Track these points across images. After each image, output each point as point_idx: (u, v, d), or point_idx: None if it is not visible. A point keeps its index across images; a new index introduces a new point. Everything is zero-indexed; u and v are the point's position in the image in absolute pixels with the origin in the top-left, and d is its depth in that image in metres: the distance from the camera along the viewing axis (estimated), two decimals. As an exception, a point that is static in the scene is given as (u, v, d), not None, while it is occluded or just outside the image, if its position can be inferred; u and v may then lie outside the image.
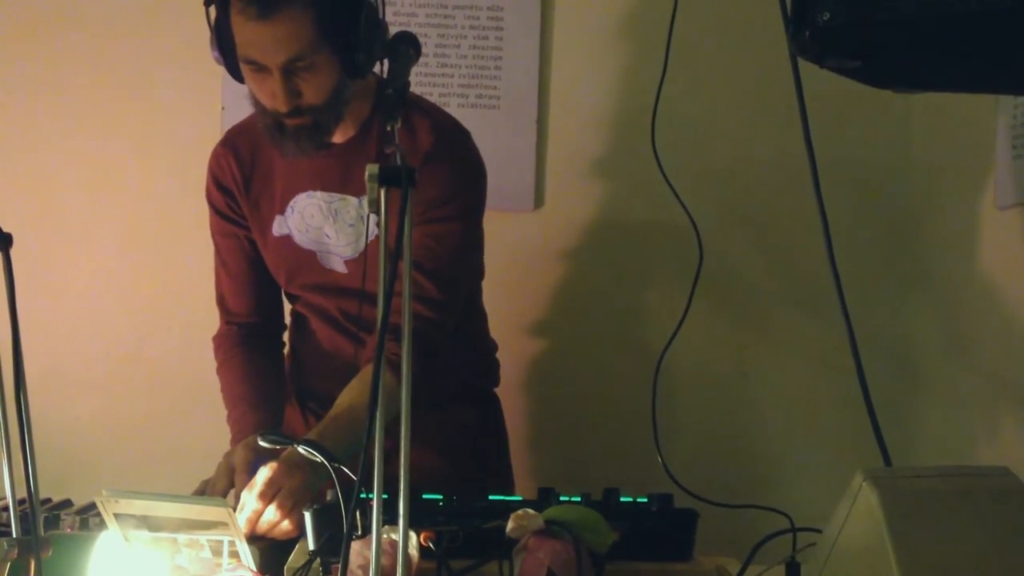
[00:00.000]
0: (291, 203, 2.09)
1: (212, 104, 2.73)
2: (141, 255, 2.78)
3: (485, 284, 2.27)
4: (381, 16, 1.93)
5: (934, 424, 2.64)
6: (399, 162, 1.49)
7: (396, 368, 1.19)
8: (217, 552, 1.47)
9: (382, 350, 1.15)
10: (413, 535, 1.41)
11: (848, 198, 2.70)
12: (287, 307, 2.27)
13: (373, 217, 2.01)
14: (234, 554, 1.47)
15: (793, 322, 2.81)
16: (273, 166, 2.10)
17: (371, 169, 1.19)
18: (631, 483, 1.73)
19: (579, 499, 1.62)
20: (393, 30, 1.90)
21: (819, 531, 1.43)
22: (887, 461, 1.52)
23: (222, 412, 2.16)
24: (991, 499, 1.29)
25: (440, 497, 1.62)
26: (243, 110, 2.07)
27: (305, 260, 2.11)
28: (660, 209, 2.44)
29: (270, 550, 1.67)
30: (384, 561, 1.28)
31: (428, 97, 2.56)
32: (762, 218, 2.82)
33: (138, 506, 1.44)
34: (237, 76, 1.94)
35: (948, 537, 1.24)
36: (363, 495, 1.33)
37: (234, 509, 1.61)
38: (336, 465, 1.60)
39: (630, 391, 2.42)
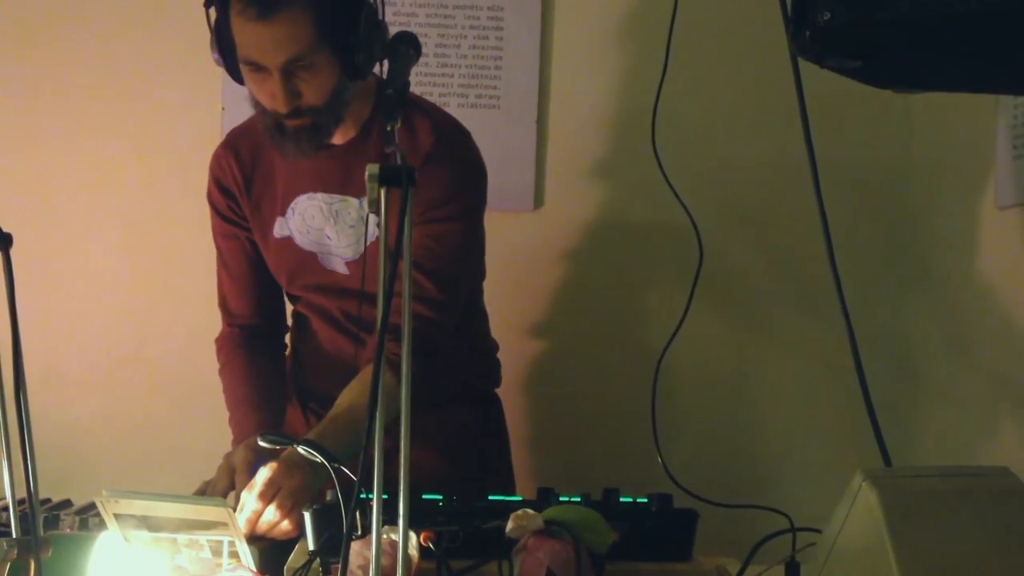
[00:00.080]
0: (292, 205, 2.09)
1: (212, 104, 2.73)
2: (141, 255, 2.78)
3: (485, 284, 2.27)
4: (381, 17, 1.93)
5: (934, 424, 2.64)
6: (399, 162, 1.49)
7: (396, 368, 1.19)
8: (217, 552, 1.48)
9: (382, 350, 1.15)
10: (413, 535, 1.41)
11: (848, 198, 2.70)
12: (289, 308, 2.27)
13: (374, 219, 2.01)
14: (234, 554, 1.47)
15: (793, 322, 2.81)
16: (274, 167, 2.10)
17: (371, 169, 1.19)
18: (631, 483, 1.73)
19: (579, 499, 1.62)
20: (393, 30, 1.90)
21: (819, 531, 1.43)
22: (887, 461, 1.53)
23: (222, 412, 2.16)
24: (991, 499, 1.29)
25: (440, 497, 1.62)
26: (243, 111, 2.07)
27: (306, 261, 2.11)
28: (660, 209, 2.44)
29: (270, 550, 1.67)
30: (384, 561, 1.28)
31: (428, 97, 2.56)
32: (762, 218, 2.82)
33: (138, 506, 1.44)
34: (237, 77, 1.94)
35: (948, 537, 1.24)
36: (363, 495, 1.33)
37: (234, 509, 1.61)
38: (336, 465, 1.60)
39: (630, 391, 2.42)
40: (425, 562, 1.44)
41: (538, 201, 2.79)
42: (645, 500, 1.64)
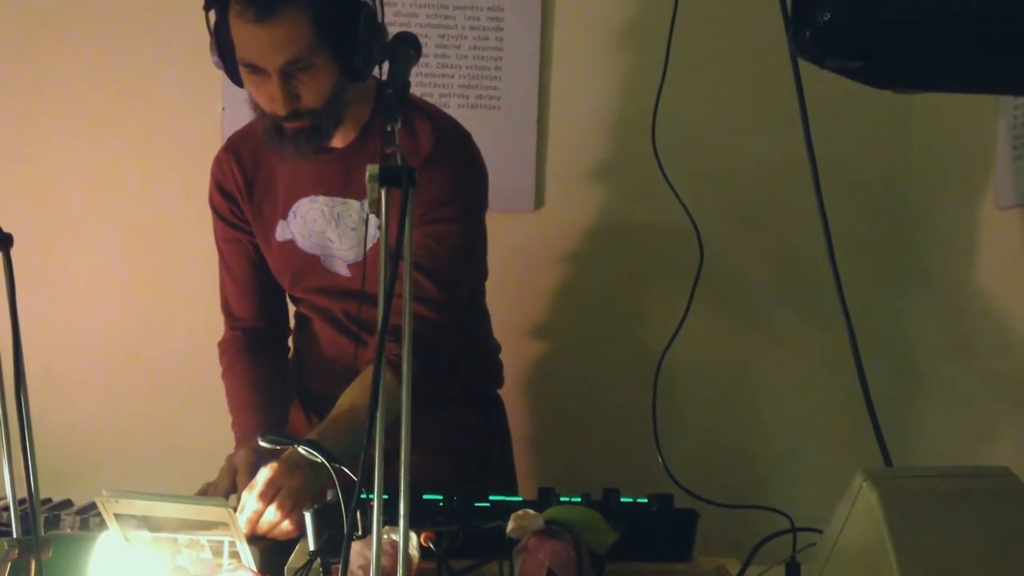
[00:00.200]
0: (293, 208, 2.09)
1: (213, 105, 2.73)
2: (141, 255, 2.78)
3: (485, 284, 2.27)
4: (380, 19, 1.93)
5: (934, 424, 2.64)
6: (399, 162, 1.49)
7: (397, 368, 1.19)
8: (217, 552, 1.48)
9: (382, 351, 1.16)
10: (413, 535, 1.41)
11: (848, 199, 2.70)
12: (291, 309, 2.27)
13: (374, 221, 2.02)
14: (234, 554, 1.47)
15: (793, 322, 2.81)
16: (275, 171, 2.10)
17: (371, 169, 1.19)
18: (631, 483, 1.73)
19: (579, 499, 1.62)
20: (393, 30, 1.90)
21: (819, 531, 1.43)
22: (887, 461, 1.53)
23: (222, 412, 2.16)
24: (991, 499, 1.29)
25: (440, 497, 1.62)
26: (244, 111, 2.07)
27: (309, 264, 2.11)
28: (660, 210, 2.44)
29: (270, 550, 1.67)
30: (384, 561, 1.28)
31: (428, 98, 2.56)
32: (762, 218, 2.82)
33: (139, 506, 1.44)
34: (236, 80, 1.94)
35: (948, 537, 1.24)
36: (363, 495, 1.33)
37: (235, 510, 1.61)
38: (336, 465, 1.60)
39: (630, 391, 2.42)
40: (425, 562, 1.44)
41: (538, 202, 2.79)
42: (645, 500, 1.64)
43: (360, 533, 1.40)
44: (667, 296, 2.66)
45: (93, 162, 2.77)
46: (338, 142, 2.03)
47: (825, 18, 1.34)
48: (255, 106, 1.96)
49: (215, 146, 2.22)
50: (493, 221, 2.18)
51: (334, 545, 1.46)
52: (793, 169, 2.09)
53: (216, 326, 2.23)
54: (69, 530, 1.64)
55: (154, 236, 2.77)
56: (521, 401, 2.69)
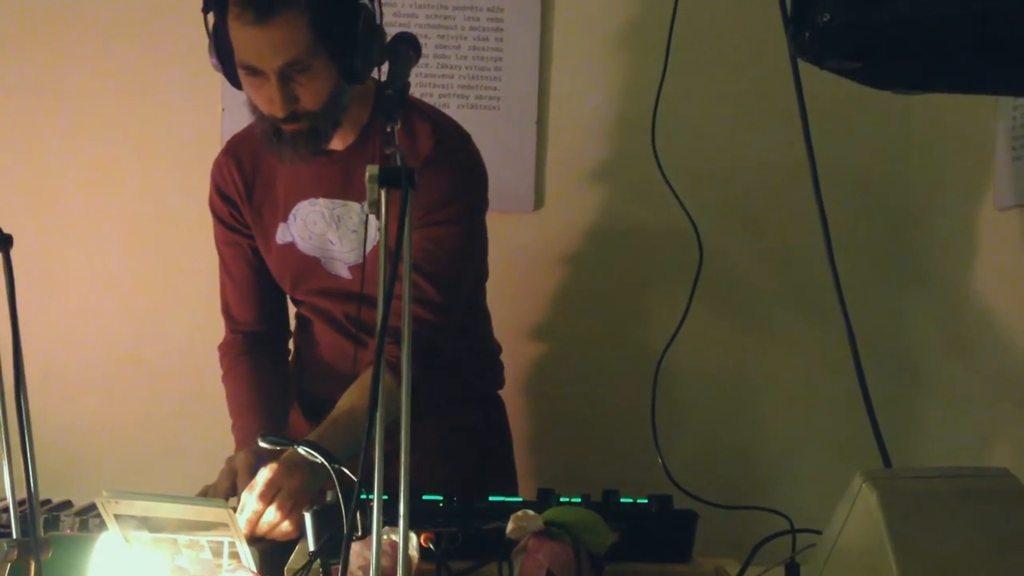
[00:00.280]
0: (293, 211, 2.09)
1: (213, 105, 2.73)
2: (141, 256, 2.78)
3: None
4: (379, 21, 1.93)
5: (934, 425, 2.64)
6: (399, 163, 1.49)
7: (396, 370, 1.19)
8: (217, 553, 1.48)
9: (381, 352, 1.16)
10: (413, 536, 1.41)
11: (848, 199, 2.70)
12: (292, 310, 2.27)
13: (375, 223, 2.02)
14: (234, 555, 1.47)
15: (793, 323, 2.81)
16: (275, 174, 2.10)
17: (371, 170, 1.19)
18: (631, 484, 1.73)
19: (579, 500, 1.62)
20: (393, 31, 1.90)
21: (819, 532, 1.43)
22: (886, 462, 1.53)
23: (222, 413, 2.16)
24: (991, 500, 1.29)
25: (440, 498, 1.62)
26: (244, 112, 2.07)
27: (309, 266, 2.11)
28: (660, 210, 2.44)
29: (270, 551, 1.67)
30: (384, 562, 1.28)
31: (428, 98, 2.56)
32: (762, 219, 2.82)
33: (138, 507, 1.44)
34: (235, 82, 1.94)
35: (948, 538, 1.24)
36: (363, 496, 1.33)
37: (235, 510, 1.61)
38: (336, 466, 1.60)
39: (630, 392, 2.42)
40: (425, 563, 1.44)
41: (538, 202, 2.79)
42: (645, 501, 1.64)
43: (360, 534, 1.40)
44: (667, 296, 2.66)
45: (93, 162, 2.77)
46: (337, 144, 2.03)
47: (825, 19, 1.34)
48: (253, 108, 1.96)
49: (215, 147, 2.22)
50: (492, 221, 2.18)
51: (334, 546, 1.46)
52: (793, 170, 2.09)
53: (216, 327, 2.23)
54: (69, 531, 1.64)
55: (154, 236, 2.77)
56: (521, 402, 2.69)
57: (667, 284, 2.70)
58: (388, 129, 1.48)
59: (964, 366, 2.52)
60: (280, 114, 1.90)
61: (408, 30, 1.93)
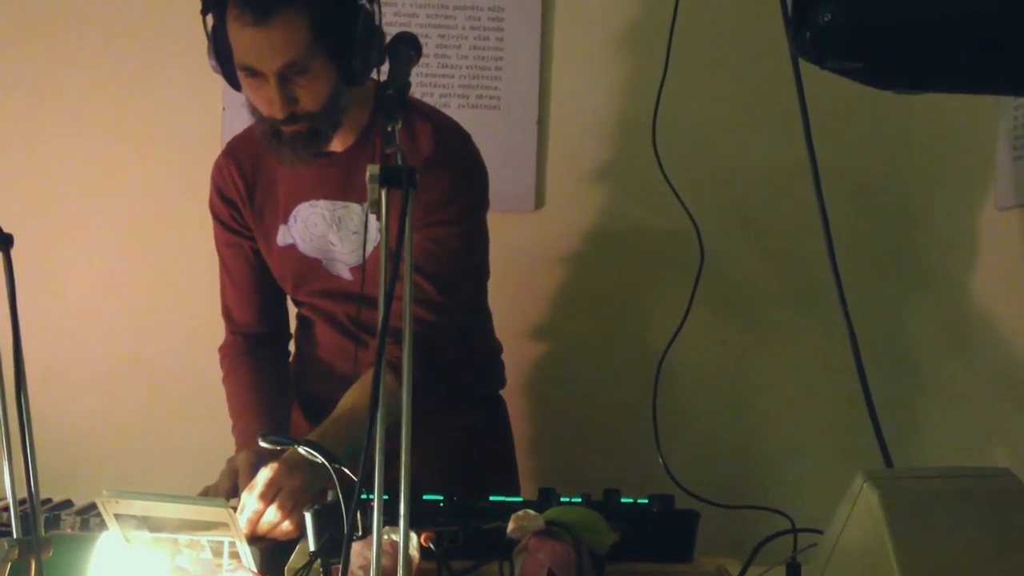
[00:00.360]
0: (294, 212, 2.09)
1: (213, 104, 2.73)
2: (142, 256, 2.78)
3: (486, 285, 2.28)
4: (378, 22, 1.93)
5: (935, 425, 2.64)
6: (400, 163, 1.49)
7: (397, 370, 1.19)
8: (218, 553, 1.48)
9: (382, 352, 1.15)
10: (413, 536, 1.41)
11: (849, 199, 2.71)
12: (293, 310, 2.27)
13: (376, 225, 2.02)
14: (235, 555, 1.47)
15: (794, 323, 2.81)
16: (275, 175, 2.10)
17: (371, 170, 1.19)
18: (632, 484, 1.73)
19: (580, 500, 1.62)
20: (394, 31, 1.90)
21: (820, 532, 1.43)
22: (888, 462, 1.52)
23: (222, 413, 2.16)
24: (992, 500, 1.29)
25: (440, 498, 1.62)
26: (245, 112, 2.06)
27: (311, 268, 2.11)
28: (661, 210, 2.44)
29: (271, 551, 1.67)
30: (385, 562, 1.28)
31: (429, 98, 2.56)
32: (763, 219, 2.82)
33: (139, 507, 1.44)
34: (234, 84, 1.94)
35: (949, 538, 1.24)
36: (364, 496, 1.33)
37: (235, 510, 1.61)
38: (336, 466, 1.60)
39: (631, 392, 2.42)
40: (426, 562, 1.44)
41: (539, 202, 2.79)
42: (646, 501, 1.64)
43: (360, 533, 1.40)
44: (667, 296, 2.66)
45: (93, 162, 2.77)
46: (337, 146, 2.03)
47: (825, 19, 1.34)
48: (253, 110, 1.96)
49: (216, 146, 2.22)
50: (493, 221, 2.18)
51: (334, 545, 1.46)
52: (793, 169, 2.09)
53: (216, 326, 2.23)
54: (69, 530, 1.64)
55: (154, 236, 2.77)
56: (521, 401, 2.69)
57: (668, 284, 2.70)
58: (389, 129, 1.48)
59: (965, 366, 2.52)
60: (279, 115, 1.90)
61: (408, 30, 1.93)
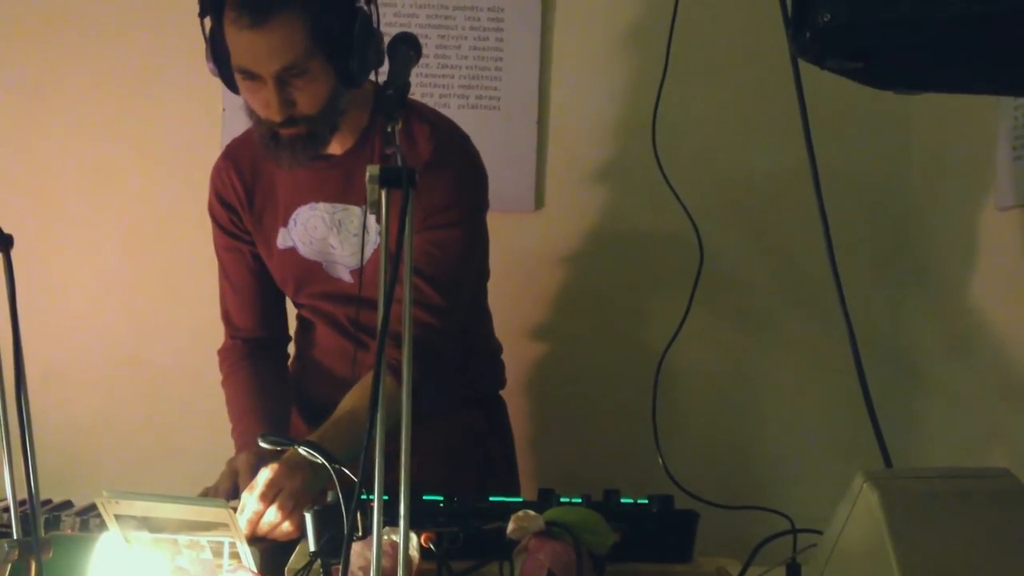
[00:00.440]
0: (293, 215, 2.08)
1: (213, 105, 2.73)
2: (142, 257, 2.78)
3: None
4: (376, 24, 1.92)
5: (935, 425, 2.64)
6: (400, 163, 1.49)
7: (398, 373, 1.19)
8: (218, 553, 1.48)
9: (382, 354, 1.15)
10: (414, 536, 1.41)
11: (848, 199, 2.71)
12: (291, 314, 2.27)
13: (376, 228, 2.01)
14: (235, 555, 1.47)
15: (793, 323, 2.81)
16: (275, 179, 2.09)
17: (371, 170, 1.19)
18: (631, 484, 1.73)
19: (579, 500, 1.62)
20: (394, 31, 1.89)
21: (820, 532, 1.43)
22: (887, 462, 1.52)
23: (222, 413, 2.16)
24: (991, 501, 1.29)
25: (441, 498, 1.62)
26: (244, 113, 2.07)
27: (311, 271, 2.11)
28: (660, 210, 2.44)
29: (271, 551, 1.67)
30: (385, 562, 1.28)
31: (429, 98, 2.56)
32: (763, 219, 2.82)
33: (139, 507, 1.44)
34: (232, 87, 1.93)
35: (948, 539, 1.24)
36: (364, 496, 1.33)
37: (235, 511, 1.61)
38: (337, 466, 1.60)
39: (630, 392, 2.42)
40: (426, 563, 1.44)
41: (539, 202, 2.79)
42: (646, 501, 1.64)
43: (360, 534, 1.40)
44: (667, 297, 2.66)
45: (93, 163, 2.77)
46: (336, 149, 2.03)
47: (825, 19, 1.34)
48: (250, 113, 1.95)
49: (216, 147, 2.22)
50: (493, 222, 2.18)
51: (334, 546, 1.46)
52: (793, 169, 2.09)
53: (216, 327, 2.23)
54: (69, 531, 1.64)
55: (154, 237, 2.77)
56: (521, 402, 2.69)
57: (668, 284, 2.70)
58: (389, 129, 1.48)
59: (965, 366, 2.52)
60: (277, 118, 1.90)
61: (408, 30, 1.93)
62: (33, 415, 1.34)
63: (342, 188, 2.04)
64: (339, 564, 1.16)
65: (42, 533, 1.36)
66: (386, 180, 1.19)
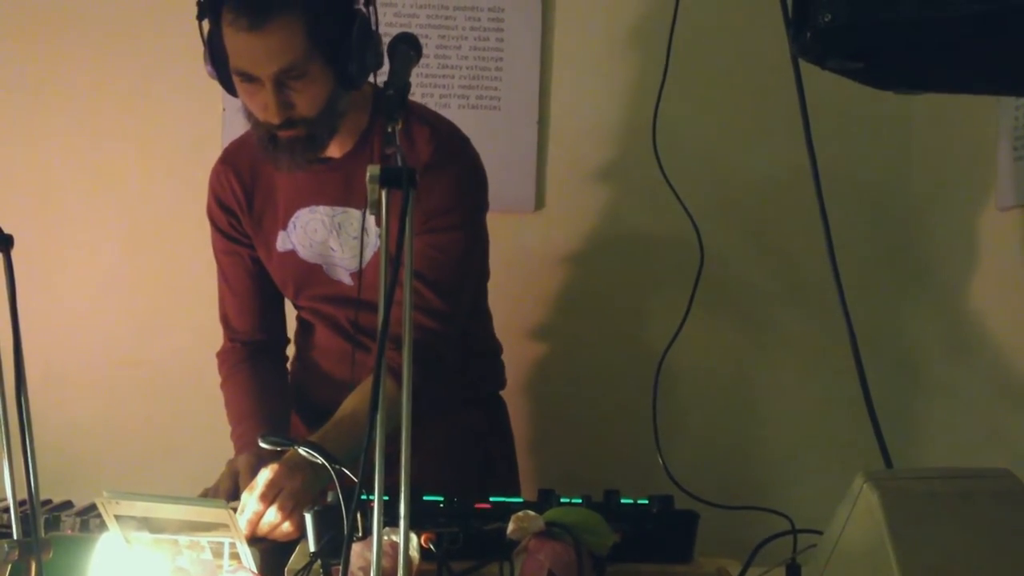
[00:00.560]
0: (293, 218, 2.08)
1: (213, 105, 2.72)
2: (142, 257, 2.78)
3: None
4: (375, 27, 1.92)
5: (935, 426, 2.64)
6: (400, 163, 1.48)
7: (399, 376, 1.19)
8: (218, 554, 1.48)
9: (382, 355, 1.15)
10: (414, 537, 1.41)
11: (849, 200, 2.70)
12: (291, 315, 2.27)
13: (376, 230, 2.01)
14: (235, 556, 1.47)
15: (794, 324, 2.81)
16: (274, 182, 2.09)
17: (371, 170, 1.19)
18: (632, 485, 1.73)
19: (580, 501, 1.62)
20: (394, 31, 1.89)
21: (820, 533, 1.43)
22: (888, 462, 1.52)
23: (222, 414, 2.16)
24: (992, 501, 1.29)
25: (441, 499, 1.62)
26: (243, 114, 2.07)
27: (311, 273, 2.11)
28: (661, 211, 2.44)
29: (271, 552, 1.67)
30: (385, 563, 1.28)
31: (429, 98, 2.56)
32: (763, 220, 2.82)
33: (139, 508, 1.44)
34: (231, 89, 1.93)
35: (949, 539, 1.24)
36: (364, 497, 1.33)
37: (235, 511, 1.61)
38: (337, 467, 1.60)
39: (631, 392, 2.42)
40: (426, 563, 1.44)
41: (539, 202, 2.79)
42: (646, 502, 1.64)
43: (360, 534, 1.40)
44: (668, 297, 2.66)
45: (94, 163, 2.77)
46: (335, 151, 2.03)
47: (826, 19, 1.34)
48: (249, 115, 1.95)
49: (216, 147, 2.22)
50: (493, 222, 2.18)
51: (335, 546, 1.46)
52: (794, 170, 2.09)
53: (217, 327, 2.22)
54: (69, 531, 1.64)
55: (154, 237, 2.77)
56: (521, 402, 2.69)
57: (668, 284, 2.70)
58: (389, 129, 1.48)
59: (965, 367, 2.52)
60: (276, 121, 1.89)
61: (409, 30, 1.93)
62: (33, 415, 1.34)
63: (342, 191, 2.04)
64: (339, 565, 1.16)
65: (42, 533, 1.36)
66: (386, 180, 1.19)
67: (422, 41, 1.85)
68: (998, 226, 2.38)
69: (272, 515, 1.71)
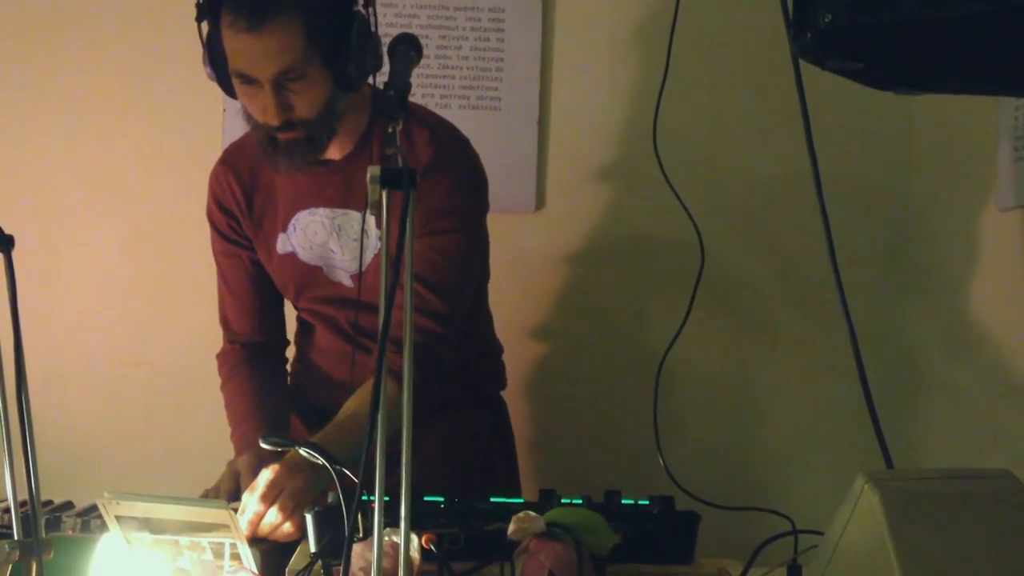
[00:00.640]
0: (293, 220, 2.08)
1: (214, 105, 2.72)
2: (142, 257, 2.78)
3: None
4: (374, 28, 1.92)
5: (936, 426, 2.64)
6: (400, 164, 1.48)
7: (400, 378, 1.19)
8: (219, 554, 1.48)
9: (383, 356, 1.15)
10: (414, 537, 1.41)
11: (850, 200, 2.70)
12: (291, 316, 2.27)
13: (376, 232, 2.01)
14: (236, 556, 1.47)
15: (795, 325, 2.81)
16: (274, 184, 2.09)
17: (372, 171, 1.19)
18: (632, 485, 1.73)
19: (580, 501, 1.62)
20: (394, 32, 1.89)
21: (821, 533, 1.43)
22: (888, 463, 1.53)
23: (223, 415, 2.16)
24: (992, 501, 1.29)
25: (441, 499, 1.62)
26: (242, 116, 2.06)
27: (312, 276, 2.10)
28: (662, 211, 2.44)
29: (271, 552, 1.67)
30: (385, 563, 1.28)
31: (429, 99, 2.56)
32: (764, 220, 2.82)
33: (140, 508, 1.44)
34: (229, 91, 1.93)
35: (949, 539, 1.24)
36: (364, 497, 1.33)
37: (236, 512, 1.61)
38: (338, 467, 1.60)
39: (632, 393, 2.42)
40: (427, 564, 1.43)
41: (539, 203, 2.79)
42: (647, 502, 1.64)
43: (361, 535, 1.40)
44: (668, 298, 2.66)
45: (94, 163, 2.77)
46: (335, 153, 2.02)
47: (826, 19, 1.34)
48: (248, 117, 1.95)
49: (216, 147, 2.22)
50: (494, 222, 2.18)
51: (335, 547, 1.46)
52: (794, 171, 2.09)
53: (217, 328, 2.22)
54: (70, 532, 1.64)
55: (155, 237, 2.77)
56: (522, 403, 2.69)
57: (669, 285, 2.70)
58: (390, 130, 1.48)
59: (966, 367, 2.52)
60: (275, 122, 1.89)
61: (409, 31, 1.93)
62: (34, 416, 1.34)
63: (342, 193, 2.04)
64: (340, 565, 1.16)
65: (43, 534, 1.36)
66: (387, 180, 1.19)
67: (422, 41, 1.85)
68: (998, 227, 2.38)
69: (273, 516, 1.71)
